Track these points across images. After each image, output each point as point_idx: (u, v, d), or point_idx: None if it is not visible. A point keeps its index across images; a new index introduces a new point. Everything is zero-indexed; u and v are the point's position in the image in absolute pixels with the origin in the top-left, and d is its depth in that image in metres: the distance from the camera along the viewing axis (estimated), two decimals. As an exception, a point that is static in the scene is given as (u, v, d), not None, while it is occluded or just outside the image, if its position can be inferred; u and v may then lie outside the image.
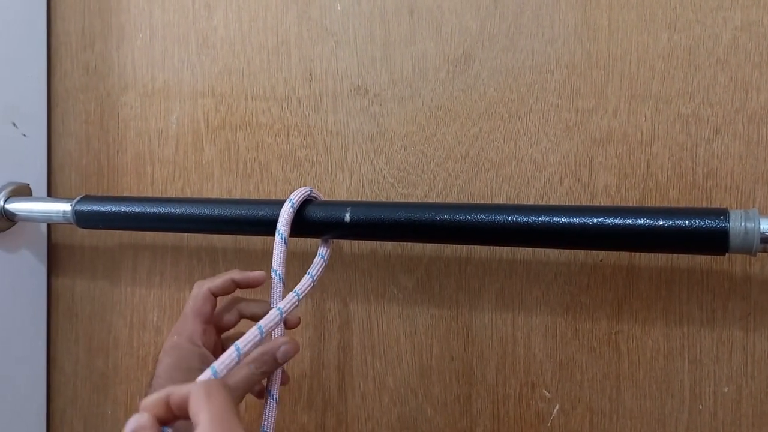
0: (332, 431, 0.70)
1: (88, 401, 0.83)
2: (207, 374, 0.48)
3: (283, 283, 0.59)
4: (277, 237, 0.59)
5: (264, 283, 0.60)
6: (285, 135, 0.71)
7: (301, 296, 0.57)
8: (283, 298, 0.57)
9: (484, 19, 0.63)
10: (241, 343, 0.51)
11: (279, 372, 0.58)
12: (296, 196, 0.60)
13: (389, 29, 0.67)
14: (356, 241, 0.68)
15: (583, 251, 0.61)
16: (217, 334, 0.59)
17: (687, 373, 0.58)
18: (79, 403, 0.84)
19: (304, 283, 0.59)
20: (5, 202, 0.75)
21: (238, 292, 0.61)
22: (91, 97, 0.82)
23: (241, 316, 0.60)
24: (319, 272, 0.61)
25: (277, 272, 0.59)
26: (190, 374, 0.51)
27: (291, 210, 0.59)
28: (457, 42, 0.64)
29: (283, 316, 0.55)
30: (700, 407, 0.58)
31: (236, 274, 0.59)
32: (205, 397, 0.39)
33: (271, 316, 0.54)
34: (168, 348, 0.54)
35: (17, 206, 0.75)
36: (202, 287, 0.58)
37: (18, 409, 0.80)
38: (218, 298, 0.59)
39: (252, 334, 0.52)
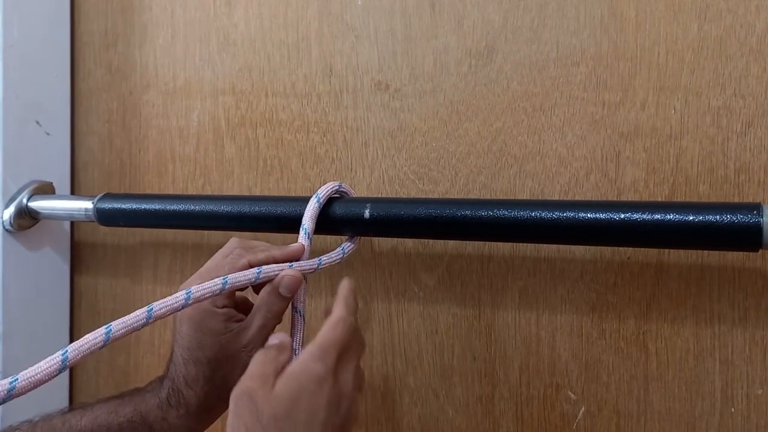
0: (352, 432, 0.69)
1: (109, 399, 0.83)
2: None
3: (305, 280, 0.58)
4: (302, 232, 0.58)
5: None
6: (305, 132, 0.71)
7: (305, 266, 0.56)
8: (303, 297, 0.56)
9: (507, 11, 0.62)
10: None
11: (303, 288, 0.56)
12: (323, 191, 0.59)
13: (410, 23, 0.66)
14: (377, 238, 0.67)
15: (609, 248, 0.59)
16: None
17: (718, 375, 0.56)
18: (101, 401, 0.84)
19: (311, 263, 0.57)
20: (28, 200, 0.76)
21: None
22: (114, 96, 0.82)
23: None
24: (330, 261, 0.58)
25: (299, 309, 0.57)
26: (213, 337, 0.52)
27: (317, 205, 0.58)
28: (480, 35, 0.63)
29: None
30: (732, 410, 0.55)
31: (277, 252, 0.56)
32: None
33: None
34: (191, 309, 0.53)
35: (40, 204, 0.76)
36: (243, 258, 0.55)
37: (41, 406, 0.81)
38: None
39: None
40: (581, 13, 0.59)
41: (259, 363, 0.49)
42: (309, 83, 0.71)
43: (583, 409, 0.60)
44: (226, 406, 0.49)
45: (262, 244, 0.58)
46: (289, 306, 0.55)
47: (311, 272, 0.57)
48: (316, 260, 0.57)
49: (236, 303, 0.56)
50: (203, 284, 0.50)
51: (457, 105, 0.64)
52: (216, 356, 0.52)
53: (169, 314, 0.49)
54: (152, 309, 0.48)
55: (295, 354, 0.55)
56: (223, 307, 0.53)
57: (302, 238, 0.57)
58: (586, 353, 0.60)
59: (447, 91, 0.64)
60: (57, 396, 0.83)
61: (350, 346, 0.51)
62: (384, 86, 0.67)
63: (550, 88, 0.60)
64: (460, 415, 0.65)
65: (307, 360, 0.48)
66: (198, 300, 0.50)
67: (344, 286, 0.55)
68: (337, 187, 0.60)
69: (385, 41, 0.67)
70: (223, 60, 0.75)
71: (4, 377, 0.76)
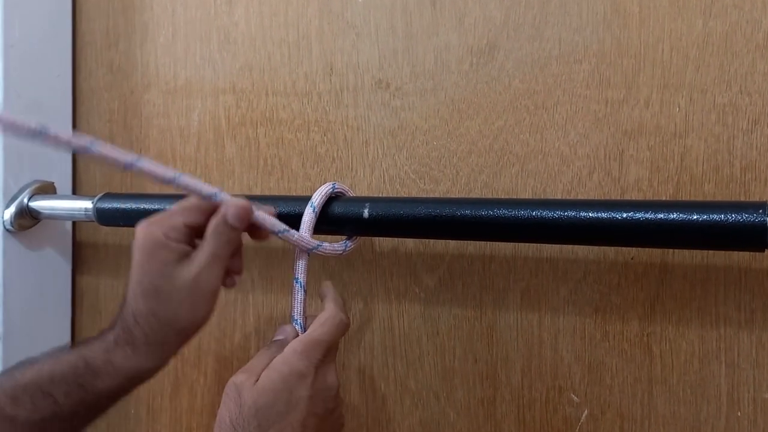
0: (353, 434, 0.69)
1: (110, 400, 0.83)
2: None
3: (304, 291, 0.57)
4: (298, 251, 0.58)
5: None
6: (305, 131, 0.70)
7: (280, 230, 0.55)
8: (303, 307, 0.57)
9: (508, 8, 0.61)
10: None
11: (304, 258, 0.57)
12: (317, 198, 0.58)
13: (411, 21, 0.65)
14: (377, 238, 0.67)
15: (613, 248, 0.58)
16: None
17: (724, 378, 0.55)
18: (102, 402, 0.83)
19: (311, 242, 0.57)
20: (29, 200, 0.76)
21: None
22: (115, 96, 0.82)
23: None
24: (331, 250, 0.58)
25: (299, 279, 0.58)
26: (164, 267, 0.50)
27: (313, 215, 0.58)
28: (481, 32, 0.62)
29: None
30: (738, 414, 0.54)
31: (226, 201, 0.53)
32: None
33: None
34: (141, 234, 0.51)
35: (41, 204, 0.75)
36: (190, 201, 0.54)
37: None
38: None
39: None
40: (584, 9, 0.58)
41: (255, 357, 0.52)
42: (309, 82, 0.70)
43: (586, 412, 0.59)
44: (174, 345, 0.51)
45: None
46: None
47: (310, 250, 0.57)
48: (316, 242, 0.57)
49: (191, 242, 0.54)
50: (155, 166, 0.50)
51: (459, 103, 0.63)
52: (165, 287, 0.50)
53: (153, 176, 0.50)
54: (140, 160, 0.49)
55: (295, 323, 0.56)
56: (176, 241, 0.51)
57: (300, 260, 0.57)
58: (589, 355, 0.59)
59: (448, 90, 0.63)
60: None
61: (338, 344, 0.53)
62: (385, 84, 0.66)
63: (552, 85, 0.59)
64: (461, 417, 0.64)
65: (290, 355, 0.50)
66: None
67: (329, 285, 0.57)
68: (331, 189, 0.59)
69: (386, 39, 0.66)
70: (224, 59, 0.74)
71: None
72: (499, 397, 0.62)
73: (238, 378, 0.50)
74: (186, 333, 0.51)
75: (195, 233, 0.53)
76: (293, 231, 0.56)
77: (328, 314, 0.54)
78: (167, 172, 0.51)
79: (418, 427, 0.66)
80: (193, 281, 0.50)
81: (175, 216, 0.52)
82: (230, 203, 0.52)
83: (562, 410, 0.60)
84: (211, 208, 0.53)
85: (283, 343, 0.54)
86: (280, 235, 0.55)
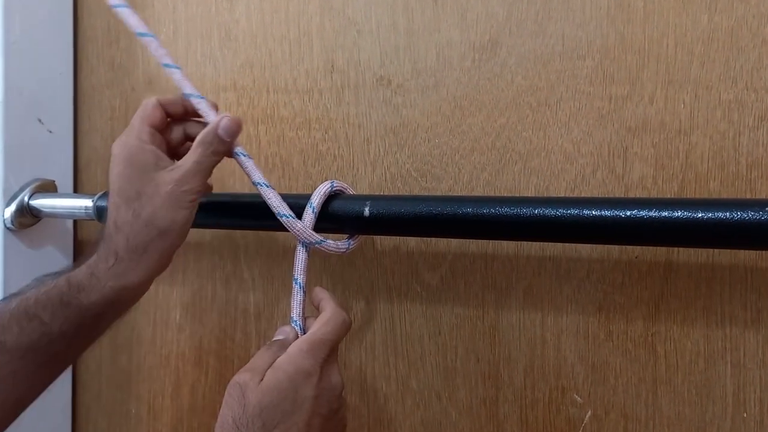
0: (354, 434, 0.68)
1: (112, 399, 0.82)
2: None
3: (304, 292, 0.57)
4: (299, 244, 0.58)
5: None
6: (306, 128, 0.69)
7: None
8: (302, 308, 0.57)
9: (511, 3, 0.60)
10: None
11: (303, 258, 0.57)
12: (317, 198, 0.58)
13: (413, 17, 0.64)
14: (378, 237, 0.66)
15: (617, 247, 0.57)
16: (167, 146, 0.58)
17: (730, 378, 0.54)
18: (103, 400, 0.83)
19: (315, 237, 0.57)
20: (30, 198, 0.75)
21: None
22: (116, 93, 0.81)
23: (186, 137, 0.59)
24: (335, 248, 0.58)
25: (298, 280, 0.57)
26: (145, 172, 0.52)
27: (312, 215, 0.57)
28: (483, 29, 0.61)
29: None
30: (744, 415, 0.53)
31: (191, 103, 0.58)
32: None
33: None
34: (117, 148, 0.54)
35: (41, 202, 0.75)
36: (152, 98, 0.57)
37: (44, 406, 0.80)
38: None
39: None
40: (587, 4, 0.57)
41: (257, 356, 0.52)
42: (311, 79, 0.69)
43: (589, 412, 0.58)
44: (156, 252, 0.52)
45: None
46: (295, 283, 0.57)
47: (313, 244, 0.57)
48: (320, 237, 0.57)
49: (167, 147, 0.57)
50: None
51: (461, 100, 0.62)
52: (146, 190, 0.51)
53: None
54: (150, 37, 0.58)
55: (294, 324, 0.56)
56: (150, 143, 0.54)
57: (299, 249, 0.58)
58: (592, 355, 0.58)
59: (450, 87, 0.63)
60: (58, 397, 0.83)
61: (341, 343, 0.53)
62: (386, 82, 0.66)
63: (555, 82, 0.59)
64: (463, 417, 0.63)
65: (296, 354, 0.50)
66: None
67: (322, 290, 0.58)
68: (330, 188, 0.58)
69: (387, 36, 0.65)
70: (225, 56, 0.74)
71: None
72: (501, 397, 0.62)
73: (242, 377, 0.49)
74: (167, 236, 0.52)
75: (162, 134, 0.57)
76: (297, 220, 0.56)
77: (330, 313, 0.54)
78: (166, 59, 0.58)
79: (419, 426, 0.65)
80: (176, 183, 0.52)
81: (136, 120, 0.55)
82: (225, 116, 0.55)
83: (566, 411, 0.59)
84: (167, 105, 0.57)
85: (283, 343, 0.54)
86: (283, 220, 0.56)
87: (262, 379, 0.49)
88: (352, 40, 0.67)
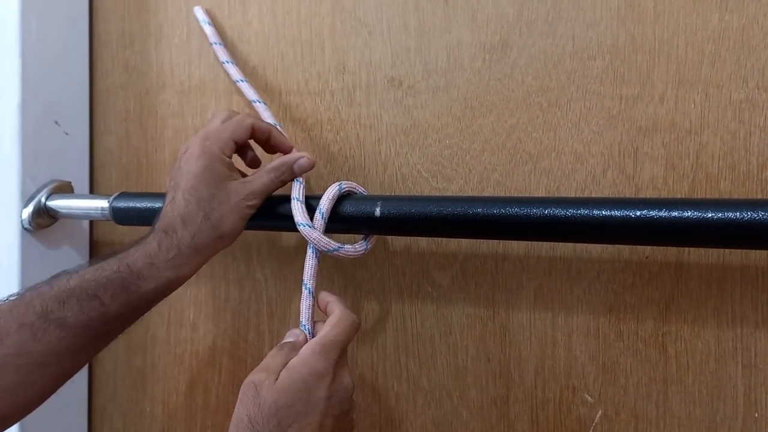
0: (365, 433, 0.68)
1: (127, 398, 0.83)
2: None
3: (313, 297, 0.58)
4: (309, 249, 0.59)
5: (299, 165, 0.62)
6: (318, 129, 0.70)
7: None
8: (311, 313, 0.58)
9: (521, 4, 0.60)
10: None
11: (313, 264, 0.59)
12: (326, 203, 0.58)
13: (423, 18, 0.65)
14: (390, 237, 0.66)
15: (627, 247, 0.57)
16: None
17: (740, 378, 0.54)
18: (118, 399, 0.84)
19: (332, 244, 0.59)
20: (47, 199, 0.76)
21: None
22: (131, 95, 0.82)
23: (252, 161, 0.67)
24: (354, 251, 0.59)
25: (308, 285, 0.58)
26: (220, 180, 0.57)
27: (321, 221, 0.58)
28: (494, 29, 0.62)
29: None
30: (756, 415, 0.53)
31: (277, 133, 0.63)
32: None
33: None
34: (197, 149, 0.58)
35: (58, 203, 0.76)
36: (249, 118, 0.62)
37: (60, 405, 0.81)
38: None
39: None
40: (597, 4, 0.57)
41: (269, 357, 0.54)
42: (322, 80, 0.70)
43: (600, 412, 0.59)
44: (211, 250, 0.57)
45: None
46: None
47: (330, 252, 0.58)
48: (337, 244, 0.58)
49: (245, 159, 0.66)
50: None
51: (471, 101, 0.63)
52: (220, 195, 0.56)
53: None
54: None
55: (303, 329, 0.57)
56: (229, 155, 0.59)
57: (309, 255, 0.59)
58: (603, 355, 0.58)
59: (461, 87, 0.63)
60: (75, 396, 0.84)
61: (351, 343, 0.55)
62: (397, 83, 0.66)
63: (565, 82, 0.59)
64: (474, 417, 0.63)
65: (309, 355, 0.52)
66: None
67: (328, 294, 0.60)
68: (338, 191, 0.59)
69: (398, 37, 0.66)
70: (237, 58, 0.75)
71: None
72: (512, 397, 0.62)
73: (257, 377, 0.51)
74: (224, 240, 0.57)
75: (238, 150, 0.63)
76: (313, 229, 0.58)
77: (339, 315, 0.55)
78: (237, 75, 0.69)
79: (430, 426, 0.65)
80: (245, 197, 0.57)
81: (226, 133, 0.59)
82: (304, 156, 0.62)
83: (576, 410, 0.59)
84: (258, 130, 0.62)
85: (294, 345, 0.55)
86: (300, 229, 0.58)
87: (276, 380, 0.50)
88: (363, 42, 0.68)
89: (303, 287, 0.58)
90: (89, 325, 0.53)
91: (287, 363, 0.52)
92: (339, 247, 0.58)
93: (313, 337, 0.56)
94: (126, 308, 0.54)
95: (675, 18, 0.55)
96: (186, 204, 0.56)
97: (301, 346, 0.54)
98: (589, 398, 0.59)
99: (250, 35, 0.74)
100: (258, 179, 0.59)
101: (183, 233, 0.55)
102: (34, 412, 0.74)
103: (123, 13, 0.83)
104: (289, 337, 0.57)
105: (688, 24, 0.55)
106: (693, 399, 0.55)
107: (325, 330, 0.54)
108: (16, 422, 0.53)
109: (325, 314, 0.58)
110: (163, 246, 0.55)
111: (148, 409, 0.82)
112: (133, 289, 0.54)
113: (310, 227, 0.58)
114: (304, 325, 0.57)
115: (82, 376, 0.85)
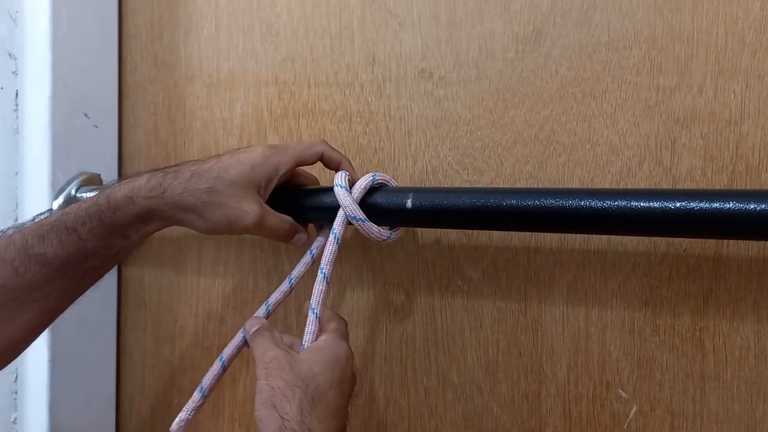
0: (394, 427, 0.68)
1: (155, 389, 0.84)
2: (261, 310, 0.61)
3: (327, 283, 0.58)
4: (331, 236, 0.58)
5: None
6: (347, 122, 0.70)
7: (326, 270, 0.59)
8: (322, 298, 0.58)
9: (555, -6, 0.59)
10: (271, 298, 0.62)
11: (333, 249, 0.58)
12: (358, 190, 0.58)
13: (455, 9, 0.64)
14: (419, 230, 0.66)
15: (663, 240, 0.56)
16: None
17: (782, 375, 0.53)
18: (146, 390, 0.84)
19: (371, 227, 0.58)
20: (76, 191, 0.77)
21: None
22: (159, 89, 0.83)
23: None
24: (362, 224, 0.59)
25: (324, 270, 0.58)
26: (253, 183, 0.56)
27: (343, 219, 0.59)
28: (527, 19, 0.61)
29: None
30: (798, 412, 0.52)
31: (347, 165, 0.62)
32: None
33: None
34: (259, 155, 0.58)
35: (87, 195, 0.76)
36: (320, 145, 0.61)
37: (89, 395, 0.82)
38: None
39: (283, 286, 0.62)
40: (634, -7, 0.56)
41: (267, 340, 0.55)
42: (352, 72, 0.69)
43: (634, 408, 0.58)
44: (188, 221, 0.57)
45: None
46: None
47: (355, 222, 0.58)
48: (387, 232, 0.59)
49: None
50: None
51: (503, 92, 0.62)
52: (234, 197, 0.56)
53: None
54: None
55: (311, 311, 0.57)
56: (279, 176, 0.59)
57: (331, 241, 0.58)
58: (638, 350, 0.57)
59: (493, 78, 0.62)
60: (103, 387, 0.84)
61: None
62: (428, 74, 0.65)
63: (601, 73, 0.58)
64: (505, 412, 0.63)
65: (338, 338, 0.55)
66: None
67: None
68: (371, 181, 0.59)
69: (429, 28, 0.65)
70: (266, 50, 0.75)
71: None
72: (544, 392, 0.61)
73: (276, 353, 0.52)
74: (199, 224, 0.57)
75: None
76: (371, 223, 0.58)
77: (338, 317, 0.59)
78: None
79: (460, 420, 0.65)
80: (259, 218, 0.56)
81: (291, 152, 0.59)
82: (304, 236, 0.62)
83: (610, 406, 0.58)
84: (323, 156, 0.61)
85: (293, 341, 0.58)
86: (336, 189, 0.58)
87: (298, 355, 0.53)
88: (393, 33, 0.67)
89: (319, 271, 0.58)
90: (69, 260, 0.54)
91: (291, 344, 0.55)
92: (365, 219, 0.58)
93: (320, 321, 0.57)
94: (103, 243, 0.55)
95: (714, 6, 0.54)
96: (206, 178, 0.55)
97: (267, 330, 0.56)
98: (624, 394, 0.58)
99: (279, 27, 0.74)
100: (274, 218, 0.59)
101: (176, 185, 0.55)
102: (63, 405, 0.75)
103: (152, 6, 0.83)
104: (254, 325, 0.58)
105: (728, 12, 0.53)
106: (731, 395, 0.54)
107: (338, 321, 0.57)
108: (10, 361, 0.55)
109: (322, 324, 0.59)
110: (150, 182, 0.55)
111: (176, 401, 0.82)
112: (107, 222, 0.54)
113: (346, 189, 0.58)
114: (313, 309, 0.57)
115: (110, 368, 0.85)
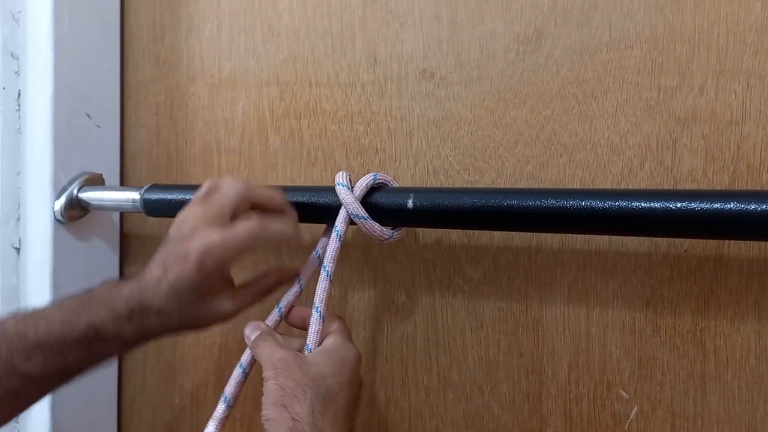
0: (395, 427, 0.68)
1: (156, 389, 0.84)
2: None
3: (330, 280, 0.58)
4: (333, 234, 0.58)
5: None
6: (349, 122, 0.70)
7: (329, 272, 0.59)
8: (325, 296, 0.58)
9: (556, -6, 0.59)
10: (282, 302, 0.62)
11: (336, 247, 0.58)
12: (359, 189, 0.58)
13: (456, 9, 0.64)
14: (420, 230, 0.66)
15: (664, 241, 0.56)
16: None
17: (783, 375, 0.53)
18: (148, 391, 0.85)
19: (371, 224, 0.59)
20: (79, 191, 0.77)
21: None
22: (161, 89, 0.83)
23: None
24: (364, 222, 0.59)
25: (326, 268, 0.58)
26: (206, 295, 0.55)
27: (345, 217, 0.59)
28: (528, 20, 0.61)
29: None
30: (799, 413, 0.52)
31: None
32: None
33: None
34: (197, 267, 0.54)
35: (89, 195, 0.77)
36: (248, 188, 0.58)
37: (90, 396, 0.82)
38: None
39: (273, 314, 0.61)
40: (635, -7, 0.56)
41: (271, 344, 0.55)
42: (353, 73, 0.69)
43: (635, 408, 0.58)
44: (178, 333, 0.57)
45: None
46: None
47: (357, 220, 0.58)
48: (389, 231, 0.59)
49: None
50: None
51: (504, 92, 0.62)
52: (199, 305, 0.55)
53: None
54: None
55: (314, 310, 0.58)
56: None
57: (333, 238, 0.59)
58: (639, 350, 0.57)
59: (494, 79, 0.62)
60: (104, 388, 0.84)
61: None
62: (429, 74, 0.65)
63: (602, 73, 0.58)
64: (506, 412, 0.63)
65: (345, 340, 0.56)
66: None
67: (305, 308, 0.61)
68: (372, 180, 0.59)
69: (431, 28, 0.65)
70: (268, 51, 0.75)
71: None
72: (545, 392, 0.61)
73: (283, 355, 0.52)
74: (188, 330, 0.57)
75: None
76: (373, 221, 0.58)
77: (339, 320, 0.59)
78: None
79: (461, 420, 0.65)
80: (219, 314, 0.57)
81: (230, 251, 0.56)
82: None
83: (611, 407, 0.58)
84: (262, 200, 0.59)
85: (267, 332, 0.58)
86: (337, 188, 0.59)
87: (305, 357, 0.53)
88: (394, 33, 0.67)
89: (322, 269, 0.58)
90: (52, 378, 0.55)
91: (297, 347, 0.56)
92: (367, 217, 0.58)
93: (323, 319, 0.57)
94: (89, 365, 0.56)
95: (716, 7, 0.54)
96: (168, 300, 0.53)
97: (268, 334, 0.57)
98: (625, 394, 0.58)
99: (280, 28, 0.74)
100: (243, 296, 0.59)
101: (153, 321, 0.54)
102: (65, 405, 0.75)
103: (154, 6, 0.83)
104: (255, 331, 0.58)
105: (729, 12, 0.53)
106: (732, 396, 0.54)
107: (342, 323, 0.58)
108: None
109: (302, 327, 0.60)
110: (134, 320, 0.54)
111: (177, 401, 0.82)
112: (96, 352, 0.55)
113: (347, 188, 0.58)
114: (317, 307, 0.57)
115: (112, 368, 0.85)
